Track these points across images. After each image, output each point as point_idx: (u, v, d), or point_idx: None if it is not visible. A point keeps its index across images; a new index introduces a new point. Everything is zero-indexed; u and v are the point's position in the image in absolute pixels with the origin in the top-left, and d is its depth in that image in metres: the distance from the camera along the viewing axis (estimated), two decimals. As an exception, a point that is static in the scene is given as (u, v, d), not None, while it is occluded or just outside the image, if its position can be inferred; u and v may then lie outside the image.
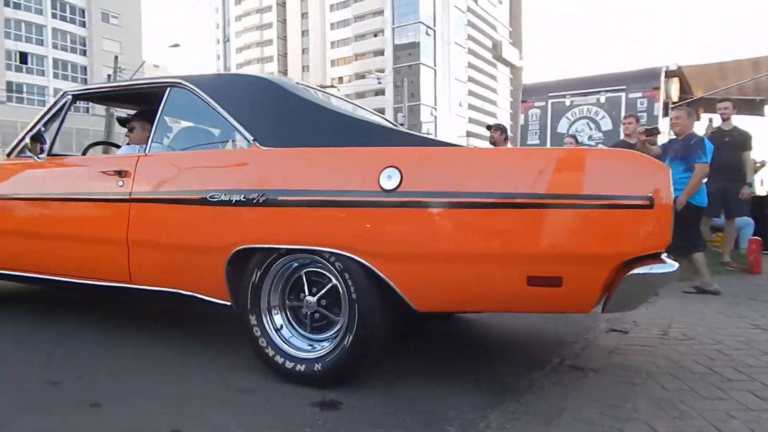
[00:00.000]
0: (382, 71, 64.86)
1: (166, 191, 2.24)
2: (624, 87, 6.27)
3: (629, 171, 1.68)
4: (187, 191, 2.15)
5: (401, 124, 31.05)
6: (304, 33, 74.79)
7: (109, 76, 21.28)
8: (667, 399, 1.89)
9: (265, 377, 2.04)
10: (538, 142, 6.84)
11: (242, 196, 1.98)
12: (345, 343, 1.87)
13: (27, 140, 2.71)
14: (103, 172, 2.40)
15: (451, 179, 1.76)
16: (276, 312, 2.06)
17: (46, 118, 2.79)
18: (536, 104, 6.94)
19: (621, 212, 1.59)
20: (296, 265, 2.03)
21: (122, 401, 1.84)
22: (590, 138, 6.42)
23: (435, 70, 68.47)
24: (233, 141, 2.34)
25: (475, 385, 2.07)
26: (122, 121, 3.42)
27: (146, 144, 2.47)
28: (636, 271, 1.60)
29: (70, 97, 2.79)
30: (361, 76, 68.96)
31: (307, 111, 2.18)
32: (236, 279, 2.06)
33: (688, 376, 2.15)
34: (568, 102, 6.68)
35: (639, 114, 5.87)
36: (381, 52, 68.44)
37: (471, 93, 79.01)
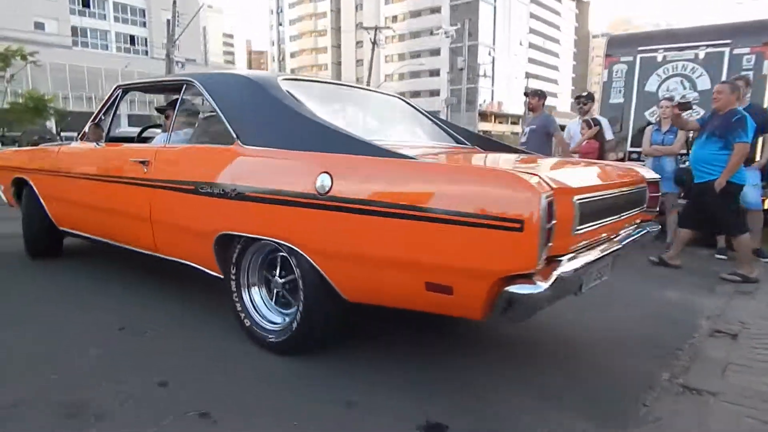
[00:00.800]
0: (438, 10, 61.91)
1: (172, 180, 2.63)
2: (728, 41, 5.56)
3: (506, 192, 1.71)
4: (185, 181, 2.54)
5: (461, 69, 29.56)
6: (358, -32, 71.87)
7: (168, 20, 21.28)
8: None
9: (368, 390, 2.04)
10: (622, 100, 6.28)
11: (222, 189, 2.34)
12: (298, 318, 2.20)
13: (89, 127, 3.32)
14: (135, 161, 2.85)
15: (369, 187, 1.94)
16: (254, 288, 2.45)
17: (104, 108, 3.45)
18: (622, 59, 6.30)
19: (494, 232, 1.67)
20: (269, 249, 2.35)
21: (233, 413, 1.86)
22: (683, 98, 5.83)
23: (494, 6, 64.62)
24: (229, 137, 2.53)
25: (580, 406, 1.97)
26: (159, 110, 3.90)
27: (168, 135, 2.96)
28: (507, 288, 1.68)
29: (120, 91, 3.43)
30: (416, 14, 66.19)
31: (280, 114, 2.39)
32: (223, 257, 2.46)
33: (827, 410, 1.95)
34: (660, 57, 6.03)
35: (745, 73, 5.26)
36: (438, -12, 65.02)
37: (532, 31, 74.48)
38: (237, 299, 2.44)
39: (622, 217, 2.32)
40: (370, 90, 3.70)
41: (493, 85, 62.09)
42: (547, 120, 5.43)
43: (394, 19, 66.49)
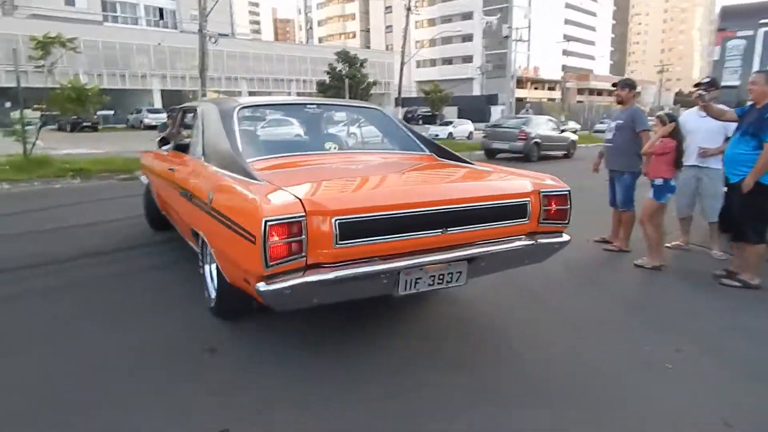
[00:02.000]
0: (472, -31, 59.02)
1: (177, 184, 3.48)
2: None
3: (249, 212, 2.20)
4: (180, 186, 3.38)
5: (505, 37, 28.12)
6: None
7: (200, -5, 20.61)
8: None
9: None
10: (738, 83, 5.43)
11: (189, 194, 3.14)
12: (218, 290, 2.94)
13: (160, 138, 4.82)
14: (170, 168, 3.80)
15: (218, 200, 2.60)
16: (214, 264, 2.92)
17: (173, 123, 4.65)
18: (740, 33, 5.43)
19: (246, 242, 2.17)
20: None
21: None
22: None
23: (531, -37, 61.21)
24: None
25: None
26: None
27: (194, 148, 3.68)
28: (256, 285, 2.14)
29: (181, 111, 4.54)
30: (448, -25, 63.39)
31: (220, 139, 3.07)
32: (197, 241, 3.22)
33: None
34: (789, 31, 5.16)
35: None
36: (470, -53, 61.88)
37: (569, -11, 70.60)
38: (201, 271, 3.19)
39: (463, 230, 2.49)
40: (338, 104, 4.76)
41: (529, 49, 59.40)
42: (634, 114, 4.69)
43: (425, -20, 63.94)
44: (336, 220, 2.16)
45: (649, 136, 4.55)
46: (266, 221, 2.04)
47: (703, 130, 4.57)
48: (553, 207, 2.78)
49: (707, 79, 4.72)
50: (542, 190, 2.76)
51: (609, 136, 4.95)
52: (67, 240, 4.95)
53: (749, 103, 3.88)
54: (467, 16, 60.52)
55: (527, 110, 27.98)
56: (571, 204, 2.86)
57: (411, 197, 2.44)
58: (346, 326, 3.04)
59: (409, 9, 30.34)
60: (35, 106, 15.76)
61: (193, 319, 3.08)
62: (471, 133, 27.13)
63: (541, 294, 3.65)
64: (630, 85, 4.85)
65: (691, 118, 4.81)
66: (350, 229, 2.20)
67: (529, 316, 3.27)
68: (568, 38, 59.52)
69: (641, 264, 4.33)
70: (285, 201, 2.17)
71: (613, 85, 5.03)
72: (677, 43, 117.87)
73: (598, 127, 36.86)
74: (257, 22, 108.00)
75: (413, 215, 2.34)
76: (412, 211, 2.34)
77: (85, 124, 26.61)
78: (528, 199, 2.70)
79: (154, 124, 27.00)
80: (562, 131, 16.62)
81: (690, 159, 4.62)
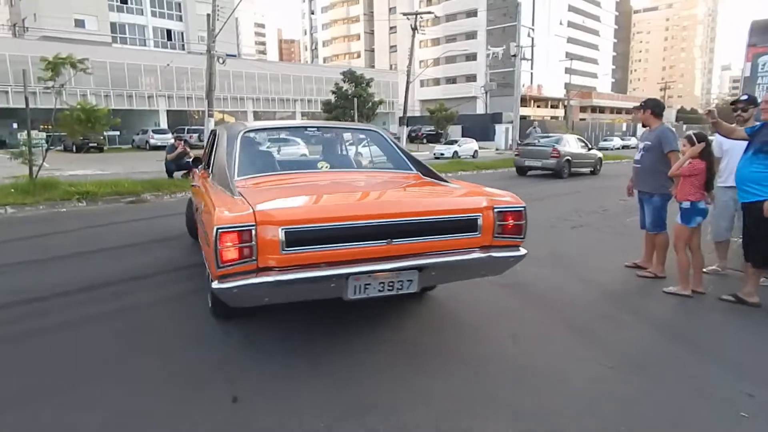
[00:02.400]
0: (475, -10, 59.71)
1: (195, 197, 4.36)
2: None
3: (211, 218, 2.52)
4: (196, 199, 4.12)
5: (513, 56, 27.86)
6: (390, -49, 69.93)
7: (208, 15, 20.74)
8: None
9: None
10: (768, 101, 5.23)
11: (196, 206, 3.95)
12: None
13: (195, 159, 5.18)
14: (196, 185, 4.30)
15: (203, 214, 3.05)
16: None
17: (206, 146, 4.89)
18: (771, 49, 5.26)
19: (208, 246, 2.58)
20: None
21: None
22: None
23: (533, -16, 61.90)
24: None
25: None
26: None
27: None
28: (212, 283, 2.50)
29: (212, 135, 4.55)
30: (451, -4, 64.10)
31: (221, 158, 3.42)
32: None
33: None
34: (823, 46, 4.98)
35: None
36: (474, -32, 62.66)
37: (571, 8, 71.28)
38: (206, 276, 3.22)
39: (409, 242, 2.65)
40: (336, 126, 4.92)
41: (532, 68, 59.72)
42: (662, 135, 4.51)
43: (429, 1, 64.68)
44: (282, 230, 2.40)
45: (677, 157, 4.33)
46: (218, 228, 2.33)
47: (740, 150, 4.34)
48: (509, 222, 2.90)
49: (745, 97, 4.49)
50: (496, 206, 2.88)
51: (637, 157, 4.75)
52: (94, 265, 4.83)
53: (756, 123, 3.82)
54: (471, 35, 60.99)
55: (535, 128, 27.76)
56: (526, 219, 2.96)
57: (354, 210, 2.67)
58: (351, 327, 3.08)
59: (414, 29, 30.49)
60: (42, 126, 15.62)
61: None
62: (476, 151, 27.06)
63: (584, 328, 3.41)
64: (642, 105, 4.70)
65: (723, 139, 4.58)
66: (296, 238, 2.43)
67: (584, 354, 3.03)
68: (570, 56, 59.78)
69: (671, 291, 4.10)
70: (239, 212, 2.44)
71: (635, 108, 4.85)
72: (678, 61, 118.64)
73: (603, 144, 36.93)
74: (263, 43, 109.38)
75: (355, 227, 2.55)
76: (354, 223, 2.55)
77: (91, 144, 26.69)
78: (479, 214, 2.83)
79: (159, 144, 27.05)
80: (590, 149, 16.89)
81: (728, 180, 4.40)
